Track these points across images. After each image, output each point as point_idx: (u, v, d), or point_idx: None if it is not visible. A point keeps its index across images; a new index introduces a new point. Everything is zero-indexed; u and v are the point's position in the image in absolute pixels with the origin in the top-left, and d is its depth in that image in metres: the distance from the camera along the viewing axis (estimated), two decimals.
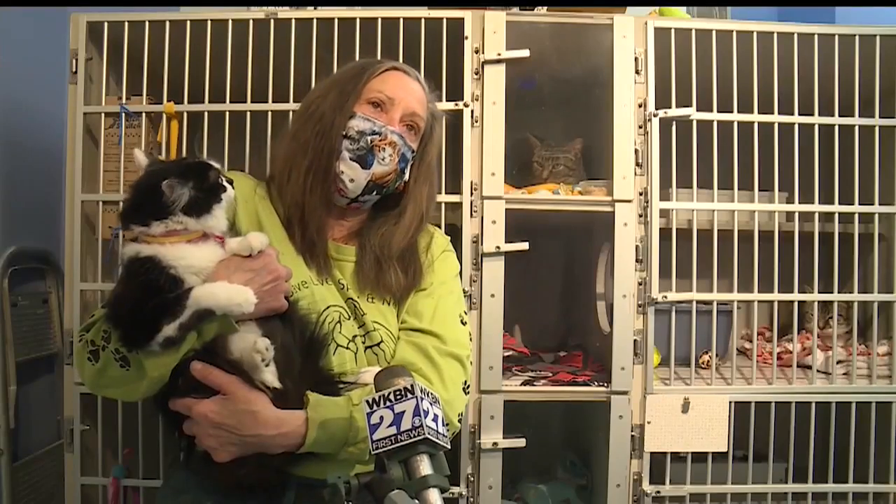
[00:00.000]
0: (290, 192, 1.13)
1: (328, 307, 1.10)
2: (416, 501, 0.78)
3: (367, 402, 0.82)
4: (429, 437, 0.79)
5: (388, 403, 0.81)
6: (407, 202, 1.19)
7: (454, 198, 1.56)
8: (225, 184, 1.01)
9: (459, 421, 1.13)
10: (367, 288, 1.15)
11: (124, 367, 0.95)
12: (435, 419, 0.82)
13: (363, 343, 1.11)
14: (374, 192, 1.16)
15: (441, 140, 1.26)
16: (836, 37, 1.58)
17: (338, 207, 1.18)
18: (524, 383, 1.59)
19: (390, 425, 0.80)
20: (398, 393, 0.82)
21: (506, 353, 1.61)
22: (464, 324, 1.18)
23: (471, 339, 1.20)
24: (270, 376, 0.97)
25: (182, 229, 0.96)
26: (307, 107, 1.17)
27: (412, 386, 0.82)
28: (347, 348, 1.09)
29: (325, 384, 1.04)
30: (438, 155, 1.27)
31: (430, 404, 0.83)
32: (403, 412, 0.80)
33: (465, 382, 1.13)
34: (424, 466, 0.80)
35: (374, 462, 0.83)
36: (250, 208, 1.13)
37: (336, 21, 1.54)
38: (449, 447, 0.84)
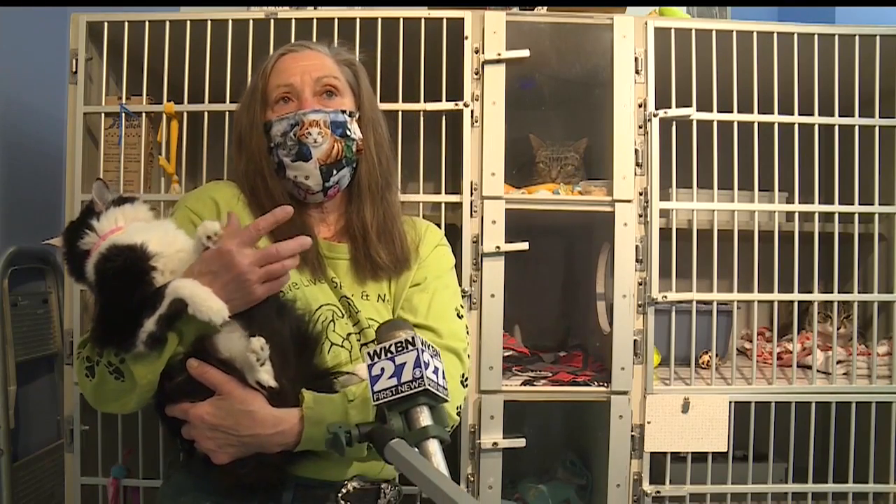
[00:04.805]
0: (256, 213, 1.13)
1: (320, 306, 1.10)
2: (416, 450, 0.78)
3: (369, 353, 0.83)
4: (429, 388, 0.80)
5: (389, 355, 0.82)
6: (360, 157, 1.18)
7: (454, 198, 1.56)
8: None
9: (458, 414, 1.12)
10: (367, 278, 1.14)
11: (119, 378, 0.96)
12: (435, 371, 0.83)
13: (358, 341, 1.11)
14: (336, 171, 1.14)
15: (368, 83, 1.23)
16: (836, 37, 1.58)
17: (315, 203, 1.18)
18: (524, 383, 1.59)
19: (391, 377, 0.81)
20: (399, 345, 0.82)
21: (506, 353, 1.61)
22: (460, 317, 1.17)
23: (468, 333, 1.19)
24: (266, 375, 0.97)
25: (123, 219, 1.01)
26: (236, 135, 1.18)
27: (413, 338, 0.83)
28: (342, 346, 1.09)
29: (319, 378, 1.05)
30: (384, 101, 1.25)
31: (431, 357, 0.83)
32: (404, 364, 0.81)
33: (463, 375, 1.13)
34: (424, 417, 0.80)
35: (376, 413, 0.83)
36: None
37: (336, 21, 1.54)
38: (448, 399, 0.85)
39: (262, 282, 0.96)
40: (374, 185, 1.18)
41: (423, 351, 0.82)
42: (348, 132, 1.15)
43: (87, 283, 0.98)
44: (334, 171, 1.14)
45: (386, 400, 0.80)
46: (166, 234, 1.01)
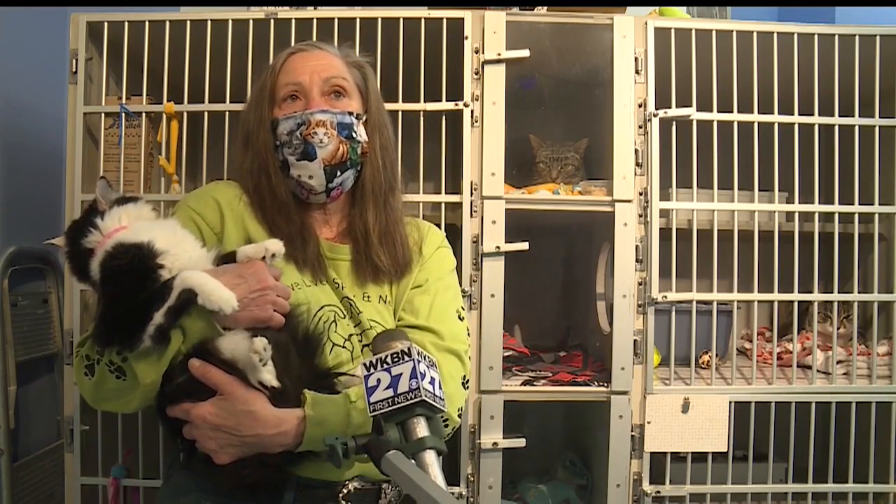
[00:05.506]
0: (258, 212, 1.14)
1: (322, 307, 1.10)
2: (413, 462, 0.78)
3: (365, 364, 0.83)
4: (425, 399, 0.80)
5: (385, 366, 0.82)
6: (365, 159, 1.18)
7: (454, 198, 1.56)
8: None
9: (459, 416, 1.13)
10: (368, 280, 1.15)
11: (120, 377, 0.96)
12: (432, 382, 0.82)
13: (360, 342, 1.11)
14: (340, 172, 1.14)
15: (378, 85, 1.23)
16: (836, 37, 1.58)
17: (318, 204, 1.18)
18: (524, 383, 1.59)
19: (387, 388, 0.81)
20: (395, 356, 0.82)
21: (506, 353, 1.61)
22: (461, 319, 1.18)
23: (469, 334, 1.19)
24: (269, 375, 0.97)
25: (126, 218, 1.01)
26: (243, 133, 1.18)
27: (409, 349, 0.82)
28: (343, 347, 1.09)
29: (321, 378, 1.05)
30: (383, 101, 1.25)
31: (427, 367, 0.83)
32: (400, 375, 0.81)
33: (464, 377, 1.13)
34: (421, 428, 0.80)
35: (372, 424, 0.83)
36: (236, 215, 1.14)
37: (336, 21, 1.54)
38: (445, 410, 0.85)
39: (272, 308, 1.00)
40: (377, 188, 1.18)
41: (419, 361, 0.81)
42: (354, 134, 1.15)
43: (89, 282, 0.99)
44: (338, 173, 1.14)
45: (382, 411, 0.80)
46: (173, 233, 1.01)
